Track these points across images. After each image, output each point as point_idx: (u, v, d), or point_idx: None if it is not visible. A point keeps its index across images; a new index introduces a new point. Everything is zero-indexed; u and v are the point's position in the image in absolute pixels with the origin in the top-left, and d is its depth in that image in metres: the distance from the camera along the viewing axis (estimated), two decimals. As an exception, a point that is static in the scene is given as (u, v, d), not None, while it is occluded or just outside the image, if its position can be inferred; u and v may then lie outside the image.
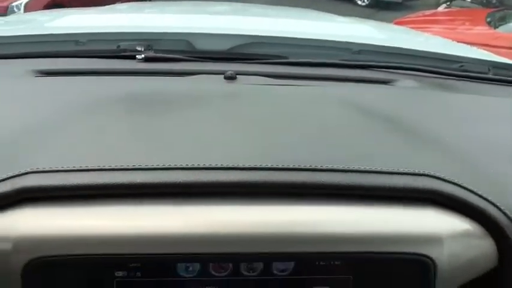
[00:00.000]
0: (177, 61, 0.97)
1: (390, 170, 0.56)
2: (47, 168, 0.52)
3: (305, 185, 0.54)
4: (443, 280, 0.53)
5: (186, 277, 0.53)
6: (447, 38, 1.81)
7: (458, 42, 1.61)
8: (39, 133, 0.62)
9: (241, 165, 0.54)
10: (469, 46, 1.52)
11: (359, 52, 1.15)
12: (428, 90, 0.95)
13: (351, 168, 0.55)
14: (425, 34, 2.02)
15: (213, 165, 0.54)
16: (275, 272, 0.54)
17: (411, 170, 0.56)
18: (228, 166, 0.54)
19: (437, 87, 0.97)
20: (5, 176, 0.51)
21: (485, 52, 1.39)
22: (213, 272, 0.53)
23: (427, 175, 0.56)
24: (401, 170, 0.56)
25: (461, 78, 1.03)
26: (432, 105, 0.87)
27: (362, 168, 0.55)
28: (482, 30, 4.00)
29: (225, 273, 0.53)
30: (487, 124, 0.79)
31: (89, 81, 0.86)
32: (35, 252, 0.49)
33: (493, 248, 0.56)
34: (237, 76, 0.89)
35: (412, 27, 2.56)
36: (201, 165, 0.53)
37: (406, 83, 0.97)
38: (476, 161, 0.63)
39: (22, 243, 0.49)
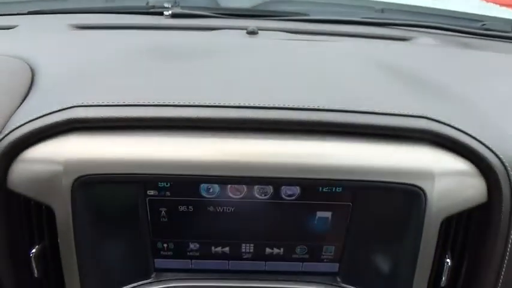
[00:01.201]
0: (202, 17, 1.04)
1: (391, 111, 0.61)
2: (91, 103, 0.61)
3: (311, 123, 0.59)
4: (433, 210, 0.59)
5: (207, 197, 0.62)
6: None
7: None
8: (84, 76, 0.70)
9: (256, 104, 0.60)
10: (492, 4, 1.49)
11: (382, 11, 1.17)
12: (447, 47, 0.98)
13: (353, 109, 0.60)
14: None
15: (233, 104, 0.60)
16: (283, 196, 0.61)
17: (410, 112, 0.61)
18: (245, 105, 0.60)
19: (456, 45, 1.00)
20: (57, 109, 0.60)
21: (510, 10, 1.38)
22: (230, 194, 0.61)
23: (424, 117, 0.61)
24: (401, 112, 0.62)
25: (482, 37, 1.05)
26: (448, 61, 0.89)
27: (365, 109, 0.61)
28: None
29: (241, 196, 0.61)
30: (503, 80, 0.82)
31: (121, 34, 0.94)
32: (80, 172, 0.58)
33: (483, 185, 0.61)
34: (259, 31, 0.95)
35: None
36: (222, 104, 0.60)
37: (425, 41, 0.99)
38: (482, 112, 0.67)
39: (70, 165, 0.58)
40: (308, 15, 1.07)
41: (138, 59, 0.77)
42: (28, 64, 0.76)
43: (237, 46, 0.87)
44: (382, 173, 0.59)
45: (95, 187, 0.59)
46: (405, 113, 0.61)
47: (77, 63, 0.76)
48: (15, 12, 1.06)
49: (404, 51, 0.93)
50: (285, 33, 0.97)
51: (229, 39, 0.93)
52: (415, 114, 0.61)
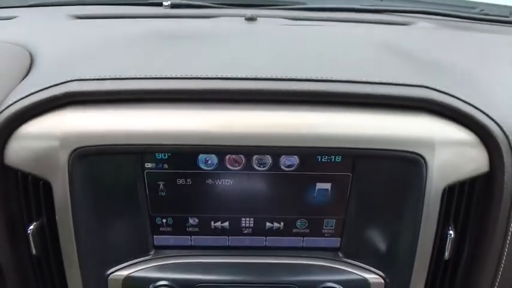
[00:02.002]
0: (201, 7, 1.04)
1: (389, 81, 0.61)
2: (88, 77, 0.61)
3: (310, 93, 0.59)
4: (434, 178, 0.59)
5: (205, 169, 0.61)
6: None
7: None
8: (83, 56, 0.71)
9: (256, 76, 0.60)
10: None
11: None
12: (447, 30, 0.98)
13: (353, 79, 0.60)
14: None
15: (232, 76, 0.60)
16: (282, 167, 0.61)
17: (408, 82, 0.61)
18: (244, 77, 0.59)
19: (456, 28, 1.00)
20: (54, 83, 0.60)
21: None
22: (229, 166, 0.61)
23: (423, 86, 0.60)
24: (400, 81, 0.61)
25: (480, 22, 1.05)
26: (448, 41, 0.90)
27: (365, 79, 0.60)
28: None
29: (239, 167, 0.61)
30: (503, 58, 0.82)
31: (121, 22, 0.95)
32: (77, 144, 0.57)
33: (484, 155, 0.60)
34: (258, 18, 0.95)
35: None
36: (221, 76, 0.60)
37: (425, 25, 1.00)
38: (483, 85, 0.66)
39: (67, 137, 0.58)
40: (306, 4, 1.08)
41: (136, 41, 0.78)
42: (27, 50, 0.77)
43: (236, 30, 0.87)
44: (381, 141, 0.58)
45: (93, 160, 0.59)
46: (405, 82, 0.61)
47: (75, 47, 0.76)
48: (17, 5, 1.07)
49: (404, 33, 0.93)
50: (283, 19, 0.98)
51: (228, 25, 0.93)
52: (414, 83, 0.60)
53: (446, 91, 0.60)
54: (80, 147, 0.57)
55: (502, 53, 0.85)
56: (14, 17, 0.98)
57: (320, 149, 0.58)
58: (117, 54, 0.72)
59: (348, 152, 0.59)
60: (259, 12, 1.00)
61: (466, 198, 0.63)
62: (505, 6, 1.17)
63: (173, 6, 1.04)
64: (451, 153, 0.59)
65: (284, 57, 0.70)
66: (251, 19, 0.95)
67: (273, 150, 0.58)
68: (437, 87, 0.60)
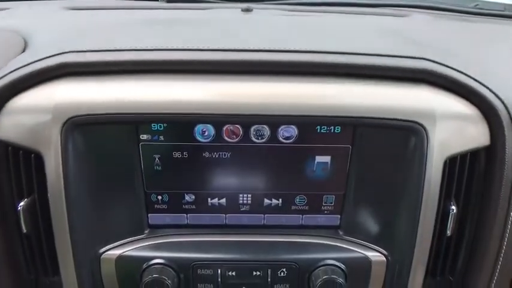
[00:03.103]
0: (197, 2, 1.05)
1: (391, 53, 0.60)
2: (83, 49, 0.60)
3: (311, 64, 0.58)
4: (435, 149, 0.57)
5: (202, 142, 0.60)
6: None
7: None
8: (79, 35, 0.70)
9: (253, 48, 0.59)
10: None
11: None
12: (442, 20, 0.99)
13: (353, 51, 0.59)
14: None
15: (230, 48, 0.59)
16: (281, 139, 0.60)
17: (409, 54, 0.60)
18: (243, 48, 0.59)
19: (453, 19, 1.01)
20: (49, 54, 0.59)
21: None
22: (226, 138, 0.60)
23: (423, 58, 0.60)
24: (399, 54, 0.60)
25: (476, 15, 1.06)
26: (445, 30, 0.90)
27: (365, 51, 0.59)
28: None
29: (236, 139, 0.60)
30: (499, 44, 0.82)
31: (116, 12, 0.95)
32: (71, 113, 0.56)
33: (485, 128, 0.59)
34: (254, 9, 0.95)
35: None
36: (217, 48, 0.59)
37: (422, 17, 1.00)
38: (482, 63, 0.66)
39: (60, 107, 0.56)
40: None
41: (131, 24, 0.77)
42: (21, 36, 0.76)
43: (232, 18, 0.87)
44: (382, 110, 0.57)
45: (86, 131, 0.58)
46: (405, 54, 0.60)
47: (69, 31, 0.76)
48: None
49: (402, 22, 0.93)
50: (280, 11, 0.98)
51: (225, 15, 0.93)
52: (414, 55, 0.60)
53: (446, 63, 0.60)
54: (73, 117, 0.56)
55: (499, 37, 0.85)
56: (7, 9, 0.98)
57: (319, 118, 0.57)
58: (112, 33, 0.71)
59: (348, 121, 0.57)
60: (255, 5, 1.00)
61: (468, 172, 0.61)
62: (500, 4, 1.19)
63: (169, 0, 1.05)
64: (451, 125, 0.59)
65: (282, 36, 0.70)
66: (247, 10, 0.95)
67: (271, 119, 0.57)
68: (438, 60, 0.60)
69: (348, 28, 0.79)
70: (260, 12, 0.95)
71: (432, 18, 0.99)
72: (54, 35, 0.74)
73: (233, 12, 0.94)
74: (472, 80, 0.59)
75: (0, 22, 0.86)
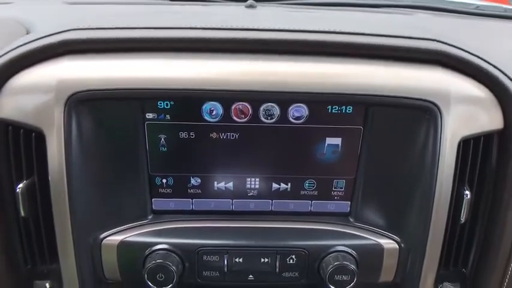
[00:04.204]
0: (201, 0, 1.04)
1: (403, 34, 0.59)
2: (87, 27, 0.58)
3: (323, 43, 0.56)
4: (448, 130, 0.56)
5: (210, 121, 0.58)
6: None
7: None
8: (80, 18, 0.69)
9: (264, 27, 0.58)
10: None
11: None
12: (444, 18, 0.99)
13: (367, 32, 0.58)
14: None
15: (236, 27, 0.58)
16: (291, 119, 0.58)
17: (423, 36, 0.59)
18: (252, 28, 0.57)
19: (455, 17, 1.02)
20: (51, 32, 0.58)
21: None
22: (234, 117, 0.58)
23: (436, 40, 0.59)
24: (413, 35, 0.59)
25: (477, 16, 1.07)
26: (447, 24, 0.91)
27: (378, 32, 0.58)
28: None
29: (245, 119, 0.58)
30: (504, 38, 0.82)
31: (118, 5, 0.94)
32: (74, 89, 0.54)
33: (499, 111, 0.58)
34: (257, 6, 0.95)
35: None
36: (225, 27, 0.58)
37: (423, 15, 1.01)
38: (488, 49, 0.64)
39: (63, 82, 0.54)
40: None
41: (135, 14, 0.76)
42: (23, 25, 0.75)
43: (237, 11, 0.87)
44: (395, 88, 0.56)
45: (90, 108, 0.56)
46: (417, 36, 0.59)
47: (70, 19, 0.75)
48: None
49: (409, 17, 0.94)
50: (283, 7, 0.98)
51: (228, 9, 0.93)
52: (427, 37, 0.59)
53: (459, 45, 0.59)
54: (76, 93, 0.54)
55: (503, 32, 0.85)
56: (10, 3, 0.97)
57: (330, 96, 0.55)
58: (114, 18, 0.70)
59: (360, 99, 0.56)
60: (259, 4, 1.00)
61: (481, 156, 0.60)
62: (500, 7, 1.20)
63: None
64: (465, 107, 0.57)
65: (289, 23, 0.69)
66: (251, 6, 0.95)
67: (281, 96, 0.55)
68: (450, 42, 0.59)
69: (357, 19, 0.79)
70: (264, 8, 0.95)
71: (436, 16, 1.00)
72: (55, 24, 0.72)
73: (237, 7, 0.94)
74: (485, 63, 0.58)
75: (2, 13, 0.85)
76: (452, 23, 0.93)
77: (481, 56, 0.59)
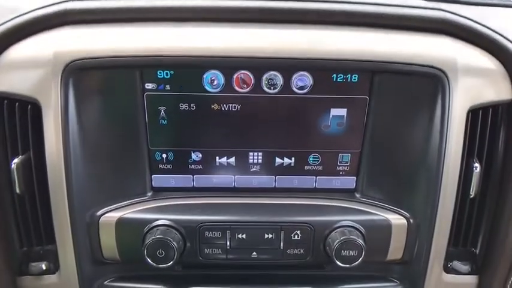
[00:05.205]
0: None
1: (408, 4, 0.58)
2: None
3: (325, 12, 0.55)
4: (457, 99, 0.54)
5: (211, 92, 0.56)
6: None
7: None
8: None
9: None
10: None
11: None
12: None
13: (372, 1, 0.57)
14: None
15: None
16: (294, 89, 0.56)
17: (429, 5, 0.58)
18: None
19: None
20: (51, 3, 0.56)
21: None
22: (236, 88, 0.56)
23: (443, 10, 0.58)
24: (418, 5, 0.58)
25: (482, 6, 1.06)
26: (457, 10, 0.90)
27: (383, 2, 0.57)
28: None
29: (247, 89, 0.56)
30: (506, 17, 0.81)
31: None
32: (72, 57, 0.52)
33: (507, 83, 0.57)
34: None
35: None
36: None
37: None
38: (494, 22, 0.63)
39: (61, 51, 0.53)
40: None
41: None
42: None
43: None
44: (402, 55, 0.54)
45: (87, 78, 0.54)
46: (422, 5, 0.58)
47: None
48: None
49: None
50: None
51: None
52: (433, 7, 0.58)
53: (465, 15, 0.58)
54: (73, 61, 0.52)
55: (504, 12, 0.84)
56: None
57: (335, 63, 0.54)
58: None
59: (366, 66, 0.54)
60: None
61: (490, 128, 0.58)
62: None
63: None
64: (473, 76, 0.56)
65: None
66: None
67: (284, 63, 0.54)
68: (455, 11, 0.58)
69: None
70: None
71: None
72: None
73: None
74: (493, 32, 0.57)
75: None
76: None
77: (489, 25, 0.58)
